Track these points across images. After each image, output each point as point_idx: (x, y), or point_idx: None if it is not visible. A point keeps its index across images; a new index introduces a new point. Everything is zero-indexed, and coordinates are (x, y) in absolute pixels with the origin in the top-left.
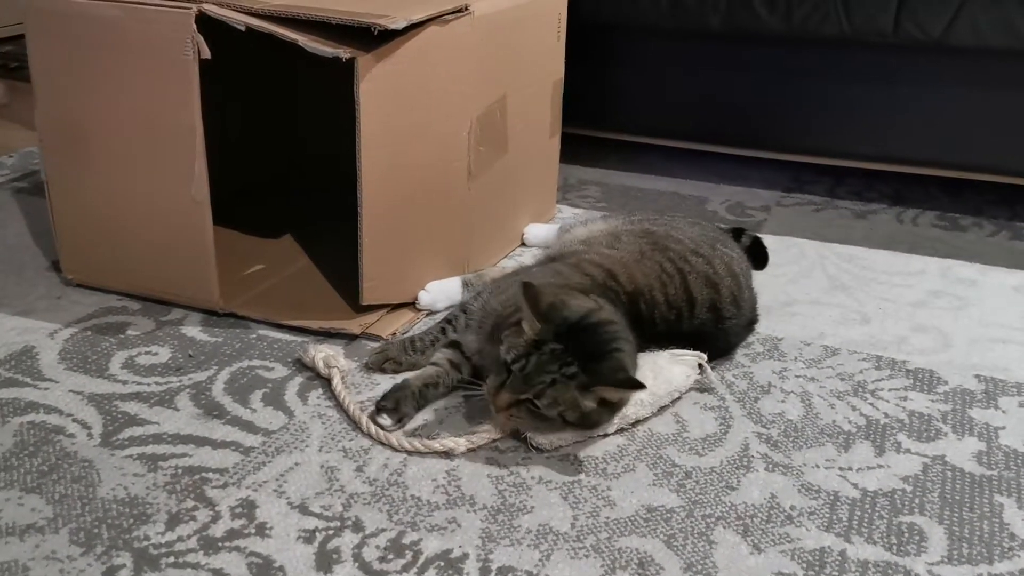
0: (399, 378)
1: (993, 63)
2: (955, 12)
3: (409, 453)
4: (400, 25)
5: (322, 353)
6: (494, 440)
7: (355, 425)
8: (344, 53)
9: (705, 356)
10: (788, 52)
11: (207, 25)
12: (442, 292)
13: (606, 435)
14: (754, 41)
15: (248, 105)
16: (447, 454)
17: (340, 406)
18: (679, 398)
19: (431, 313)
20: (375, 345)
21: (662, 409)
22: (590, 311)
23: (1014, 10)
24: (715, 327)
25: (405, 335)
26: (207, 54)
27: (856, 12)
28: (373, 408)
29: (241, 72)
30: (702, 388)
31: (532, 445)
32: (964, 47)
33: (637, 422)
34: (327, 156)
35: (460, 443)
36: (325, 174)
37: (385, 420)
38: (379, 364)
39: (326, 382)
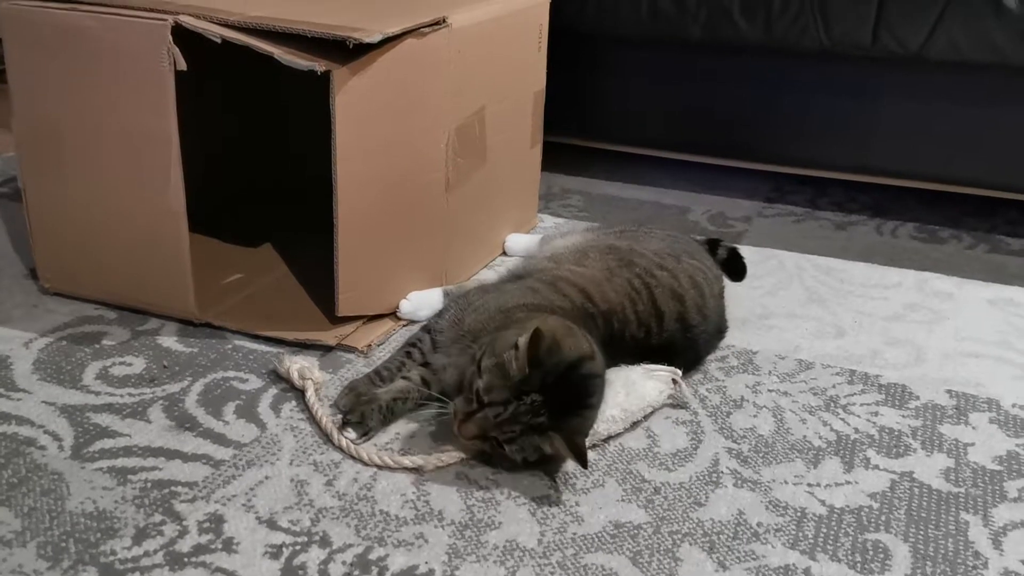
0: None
1: (971, 76)
2: (933, 26)
3: (379, 468)
4: (375, 39)
5: (297, 364)
6: (464, 459)
7: (326, 438)
8: (319, 66)
9: (680, 372)
10: (769, 63)
11: (189, 35)
12: (423, 301)
13: None
14: (735, 52)
15: (234, 115)
16: (417, 470)
17: (313, 418)
18: (652, 413)
19: (410, 323)
20: (344, 382)
21: (635, 424)
22: (582, 359)
23: (991, 24)
24: (683, 337)
25: (373, 368)
26: (183, 65)
27: (835, 25)
28: (340, 420)
29: (226, 83)
30: (676, 404)
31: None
32: (942, 61)
33: (609, 438)
34: (310, 165)
35: (430, 460)
36: (308, 183)
37: (350, 434)
38: (352, 405)
39: (300, 393)
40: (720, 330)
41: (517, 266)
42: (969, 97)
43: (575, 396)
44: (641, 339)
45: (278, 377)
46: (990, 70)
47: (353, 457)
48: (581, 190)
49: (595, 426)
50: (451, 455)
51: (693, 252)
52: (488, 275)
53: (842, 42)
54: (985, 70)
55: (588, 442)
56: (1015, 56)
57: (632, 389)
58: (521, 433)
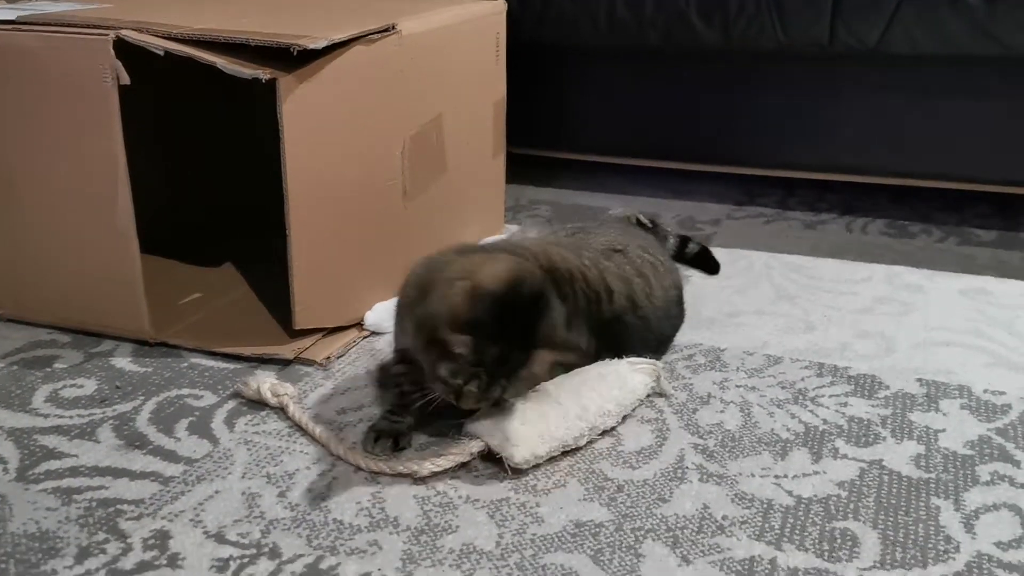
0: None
1: (931, 70)
2: (888, 21)
3: (374, 474)
4: (320, 45)
5: (267, 383)
6: (461, 465)
7: (326, 448)
8: (264, 74)
9: (660, 365)
10: (730, 66)
11: (151, 59)
12: (387, 312)
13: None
14: (697, 57)
15: (197, 136)
16: (375, 476)
17: (304, 431)
18: (637, 407)
19: (373, 334)
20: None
21: (625, 418)
22: (511, 283)
23: (946, 17)
24: (633, 315)
25: (385, 410)
26: (126, 80)
27: (791, 23)
28: (373, 434)
29: (186, 99)
30: (659, 394)
31: (509, 466)
32: (900, 55)
33: (604, 431)
34: (270, 180)
35: (424, 466)
36: (269, 199)
37: (384, 446)
38: (386, 448)
39: (279, 411)
40: (670, 315)
41: None
42: (930, 91)
43: (529, 319)
44: (593, 308)
45: (245, 399)
46: (949, 63)
47: (349, 463)
48: (550, 200)
49: (592, 420)
50: (448, 459)
51: (647, 246)
52: None
53: (800, 40)
54: (943, 63)
55: (587, 437)
56: (971, 47)
57: (624, 385)
58: (510, 380)
